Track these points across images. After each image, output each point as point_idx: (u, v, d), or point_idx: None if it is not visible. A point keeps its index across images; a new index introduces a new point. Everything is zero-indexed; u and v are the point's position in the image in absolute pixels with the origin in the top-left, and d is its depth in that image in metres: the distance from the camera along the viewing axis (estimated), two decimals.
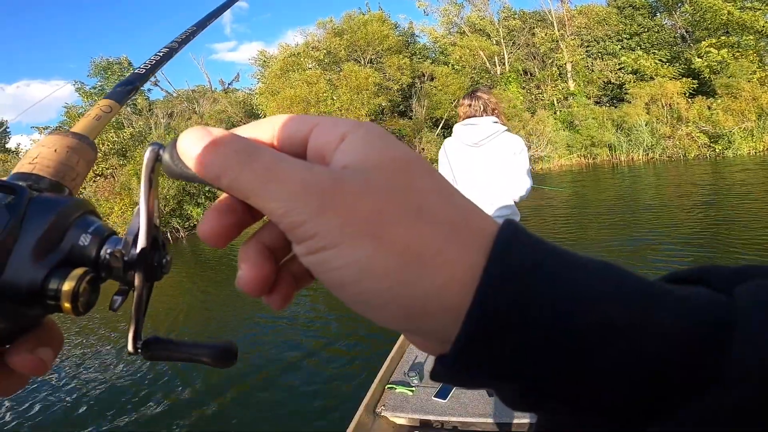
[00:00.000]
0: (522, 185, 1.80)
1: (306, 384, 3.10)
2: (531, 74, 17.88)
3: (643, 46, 17.36)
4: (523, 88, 16.52)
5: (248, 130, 0.18)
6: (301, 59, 13.01)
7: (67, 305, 0.16)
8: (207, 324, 5.42)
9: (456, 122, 1.93)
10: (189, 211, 12.97)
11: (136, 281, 0.18)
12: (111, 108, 0.28)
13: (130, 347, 0.19)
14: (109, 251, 0.17)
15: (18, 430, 2.90)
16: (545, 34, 16.78)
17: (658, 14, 18.30)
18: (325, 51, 13.14)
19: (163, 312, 6.20)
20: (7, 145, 19.68)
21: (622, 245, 5.67)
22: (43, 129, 18.00)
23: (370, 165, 0.14)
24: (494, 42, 17.50)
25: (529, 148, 11.83)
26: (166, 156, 0.17)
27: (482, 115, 1.82)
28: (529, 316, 0.12)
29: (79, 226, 0.18)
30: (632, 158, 12.79)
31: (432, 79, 15.54)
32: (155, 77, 18.81)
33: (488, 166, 1.79)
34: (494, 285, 0.13)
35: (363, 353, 3.43)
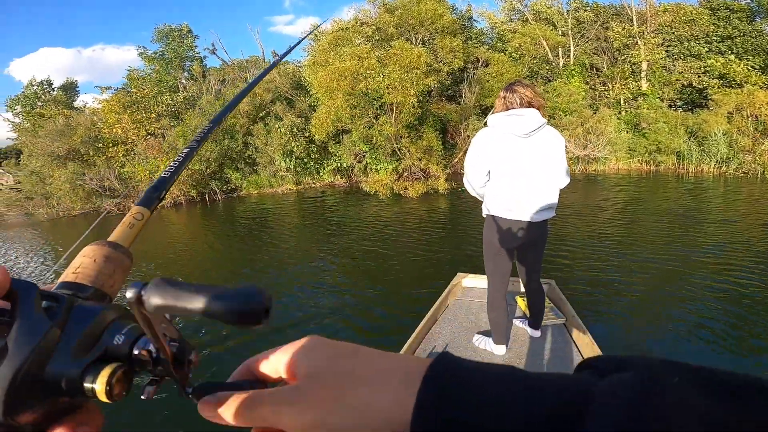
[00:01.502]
0: (566, 176, 1.96)
1: None
2: (598, 70, 16.89)
3: (735, 51, 15.80)
4: (587, 83, 15.66)
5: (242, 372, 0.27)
6: (350, 34, 13.17)
7: (102, 396, 0.20)
8: (228, 280, 5.86)
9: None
10: (228, 175, 13.77)
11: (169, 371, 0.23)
12: (142, 215, 0.33)
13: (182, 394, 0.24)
14: (137, 351, 0.22)
15: None
16: (622, 29, 15.72)
17: (758, 19, 16.53)
18: (374, 27, 13.20)
19: (193, 265, 6.79)
20: (75, 104, 21.77)
21: (671, 253, 5.44)
22: (106, 89, 19.77)
23: (311, 371, 0.23)
24: (560, 32, 16.66)
25: (584, 146, 11.35)
26: (152, 300, 0.19)
27: (520, 108, 1.86)
28: None
29: (114, 329, 0.23)
30: (702, 170, 11.82)
31: (486, 66, 15.16)
32: (213, 45, 19.96)
33: (536, 157, 1.85)
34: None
35: (381, 341, 3.49)
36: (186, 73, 20.73)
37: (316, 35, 16.89)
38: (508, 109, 1.88)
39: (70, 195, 13.53)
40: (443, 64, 13.04)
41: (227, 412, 0.23)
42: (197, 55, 21.16)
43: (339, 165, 13.46)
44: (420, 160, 11.22)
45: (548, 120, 1.95)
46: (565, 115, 13.15)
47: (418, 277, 4.87)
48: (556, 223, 7.12)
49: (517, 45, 16.18)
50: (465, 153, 11.90)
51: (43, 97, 20.75)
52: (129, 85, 17.05)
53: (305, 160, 13.45)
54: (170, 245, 7.84)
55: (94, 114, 16.10)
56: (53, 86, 21.94)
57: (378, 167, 11.72)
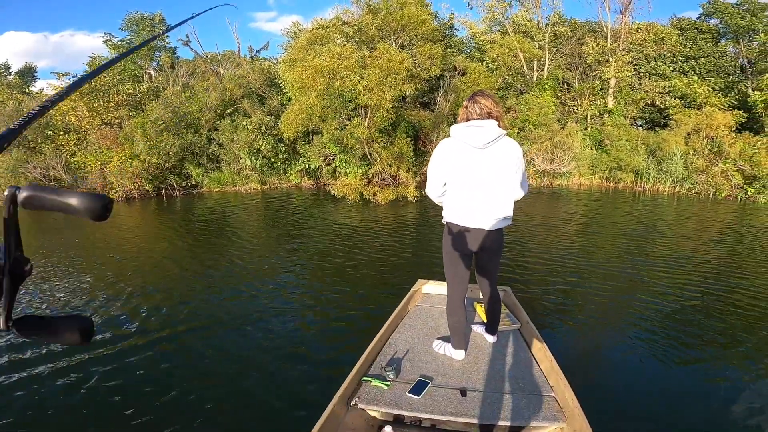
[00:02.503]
0: (523, 187, 2.05)
1: (280, 370, 3.17)
2: (569, 84, 17.58)
3: (697, 71, 16.88)
4: (558, 97, 16.26)
5: None
6: (330, 33, 13.10)
7: None
8: (182, 279, 5.64)
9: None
10: (189, 170, 13.30)
11: (4, 279, 0.28)
12: None
13: (2, 325, 0.28)
14: None
15: None
16: (596, 45, 16.44)
17: (723, 40, 17.75)
18: (356, 28, 13.18)
19: (148, 261, 6.50)
20: (31, 88, 20.58)
21: (624, 264, 5.76)
22: (63, 75, 18.78)
23: None
24: (537, 46, 17.24)
25: (551, 161, 11.71)
26: (22, 195, 0.28)
27: (479, 118, 1.95)
28: None
29: None
30: (657, 188, 12.48)
31: (463, 75, 15.45)
32: (187, 36, 19.30)
33: (493, 168, 1.92)
34: None
35: (341, 345, 3.54)
36: (154, 63, 19.98)
37: (295, 33, 16.71)
38: (468, 119, 1.97)
39: (11, 183, 12.65)
40: (422, 70, 13.19)
41: None
42: (168, 45, 20.46)
43: (307, 166, 13.30)
44: (390, 165, 11.26)
45: (518, 132, 2.04)
46: (535, 128, 13.57)
47: (382, 283, 4.93)
48: (518, 231, 7.36)
49: (494, 56, 16.61)
50: None
51: None
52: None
53: (272, 160, 13.20)
54: (114, 243, 7.44)
55: (43, 99, 15.22)
56: (10, 70, 20.70)
57: (348, 170, 11.65)
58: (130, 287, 5.05)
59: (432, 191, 2.10)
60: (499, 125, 1.93)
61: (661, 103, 16.23)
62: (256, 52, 20.45)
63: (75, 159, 13.05)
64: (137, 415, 2.72)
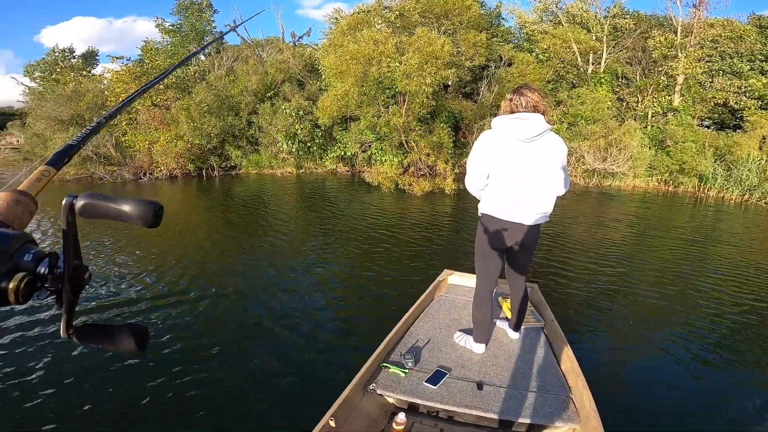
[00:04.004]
0: (566, 182, 2.04)
1: (300, 351, 3.21)
2: (629, 80, 16.49)
3: None
4: (615, 92, 15.30)
5: None
6: (371, 17, 13.08)
7: (11, 297, 0.28)
8: (217, 254, 5.89)
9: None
10: (229, 152, 13.80)
11: (64, 289, 0.31)
12: (49, 172, 0.41)
13: (63, 333, 0.31)
14: (42, 269, 0.30)
15: None
16: (664, 39, 15.30)
17: None
18: (397, 12, 13.07)
19: (186, 238, 6.83)
20: (93, 72, 22.10)
21: (674, 271, 5.32)
22: (117, 58, 20.02)
23: None
24: (594, 38, 16.31)
25: (604, 159, 11.04)
26: (79, 204, 0.30)
27: (525, 111, 1.94)
28: None
29: (24, 251, 0.30)
30: (723, 196, 11.42)
31: (509, 65, 14.93)
32: (234, 22, 20.05)
33: (539, 162, 1.92)
34: None
35: (362, 329, 3.55)
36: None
37: (336, 19, 16.87)
38: (513, 112, 1.96)
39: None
40: (465, 59, 12.86)
41: None
42: (215, 29, 21.28)
43: (343, 153, 13.39)
44: (428, 155, 11.08)
45: (568, 127, 1.98)
46: (588, 124, 12.84)
47: (409, 272, 4.88)
48: (557, 228, 7.02)
49: (545, 46, 15.88)
50: None
51: (61, 63, 21.12)
52: (144, 56, 17.24)
53: (308, 144, 13.41)
54: (165, 216, 7.85)
55: (101, 82, 16.37)
56: (74, 54, 22.34)
57: (383, 159, 11.61)
58: (171, 260, 5.37)
59: (472, 184, 2.08)
60: (545, 120, 1.92)
61: (736, 103, 14.84)
62: (299, 38, 20.85)
63: (125, 138, 13.92)
64: (153, 377, 2.88)
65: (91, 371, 2.92)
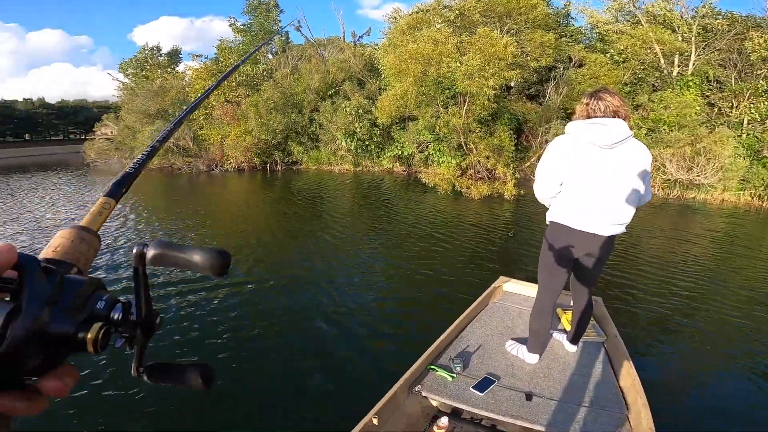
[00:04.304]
0: (648, 193, 1.91)
1: (345, 346, 3.25)
2: (721, 84, 14.76)
3: None
4: (705, 97, 13.78)
5: None
6: (430, 17, 12.95)
7: (90, 347, 0.28)
8: (275, 243, 6.16)
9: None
10: (291, 147, 14.43)
11: (137, 334, 0.31)
12: (110, 205, 0.40)
13: (133, 372, 0.32)
14: (116, 316, 0.30)
15: None
16: (763, 41, 13.54)
17: None
18: (457, 12, 12.81)
19: (248, 226, 7.24)
20: (177, 69, 24.13)
21: (759, 300, 4.68)
22: (197, 56, 21.67)
23: None
24: (679, 38, 14.81)
25: (689, 169, 9.96)
26: (150, 254, 0.30)
27: (603, 117, 1.83)
28: None
29: (97, 297, 0.30)
30: None
31: (580, 66, 14.04)
32: (297, 22, 20.94)
33: (619, 170, 1.80)
34: None
35: (410, 331, 3.52)
36: (271, 46, 21.98)
37: (395, 18, 16.95)
38: (589, 116, 1.85)
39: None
40: (530, 59, 12.30)
41: None
42: (281, 29, 22.28)
43: (400, 152, 13.42)
44: (488, 158, 10.74)
45: (647, 133, 1.82)
46: (671, 130, 11.69)
47: (461, 276, 4.77)
48: (629, 240, 6.50)
49: (622, 47, 14.72)
50: (539, 158, 11.21)
51: (150, 61, 23.37)
52: (219, 54, 18.57)
53: (366, 143, 13.61)
54: (226, 206, 8.44)
55: (182, 79, 17.89)
56: (161, 52, 24.59)
57: (441, 160, 11.45)
58: (232, 245, 5.78)
59: (543, 191, 1.98)
60: (628, 125, 1.81)
61: None
62: (359, 37, 21.24)
63: (202, 131, 15.10)
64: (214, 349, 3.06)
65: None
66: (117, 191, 0.42)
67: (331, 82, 15.34)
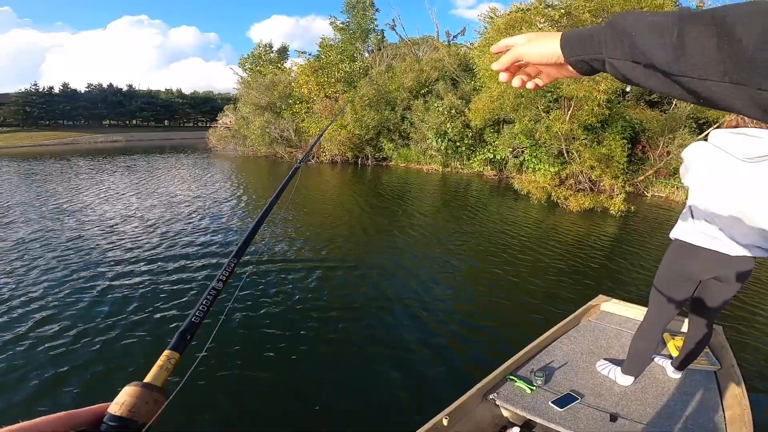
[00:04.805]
0: None
1: (419, 344, 3.22)
2: None
3: None
4: None
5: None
6: (531, 16, 11.98)
7: None
8: (358, 236, 6.39)
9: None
10: (383, 144, 14.77)
11: None
12: (174, 359, 0.40)
13: None
14: None
15: None
16: None
17: None
18: (563, 11, 11.62)
19: (337, 216, 7.62)
20: (285, 65, 26.32)
21: None
22: (302, 53, 23.29)
23: (533, 36, 0.52)
24: None
25: None
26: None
27: (756, 127, 1.64)
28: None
29: None
30: None
31: None
32: (393, 21, 21.20)
33: (757, 188, 1.61)
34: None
35: (490, 338, 3.40)
36: (367, 44, 22.69)
37: (491, 18, 16.11)
38: (737, 126, 1.68)
39: (259, 139, 16.81)
40: None
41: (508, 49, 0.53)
42: (376, 27, 22.76)
43: (492, 156, 12.84)
44: (593, 168, 9.71)
45: None
46: None
47: (550, 292, 4.45)
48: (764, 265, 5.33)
49: None
50: (657, 171, 9.76)
51: (263, 57, 25.89)
52: (321, 52, 19.75)
53: (458, 144, 13.30)
54: (320, 196, 9.00)
55: (289, 74, 19.43)
56: (273, 49, 27.07)
57: (537, 167, 10.68)
58: (320, 231, 6.27)
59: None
60: None
61: None
62: (453, 37, 20.77)
63: (303, 124, 16.28)
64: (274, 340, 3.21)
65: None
66: (181, 344, 0.42)
67: (425, 81, 15.28)
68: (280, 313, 3.61)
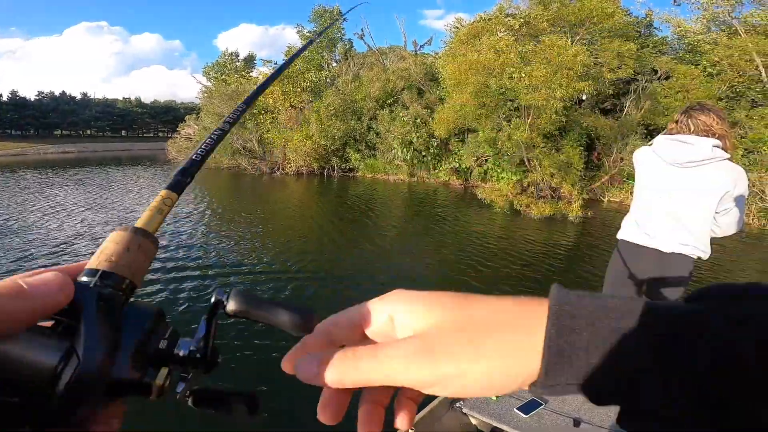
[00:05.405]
0: (732, 225, 1.75)
1: None
2: None
3: None
4: None
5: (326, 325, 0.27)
6: (492, 25, 12.35)
7: (154, 395, 0.24)
8: (323, 246, 6.27)
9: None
10: (349, 154, 14.63)
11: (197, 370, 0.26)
12: (171, 200, 0.33)
13: (179, 395, 0.26)
14: (181, 353, 0.25)
15: None
16: None
17: None
18: (522, 21, 12.07)
19: (302, 225, 7.46)
20: (251, 74, 25.69)
21: None
22: (267, 62, 22.85)
23: (433, 322, 0.22)
24: None
25: None
26: (230, 305, 0.25)
27: (691, 135, 1.75)
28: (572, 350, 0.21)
29: (159, 332, 0.25)
30: None
31: (667, 79, 12.65)
32: (362, 30, 21.34)
33: (687, 193, 1.72)
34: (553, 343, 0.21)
35: None
36: (334, 53, 22.63)
37: (457, 28, 16.54)
38: (677, 132, 1.79)
39: (221, 150, 16.22)
40: (606, 69, 11.29)
41: (337, 370, 0.23)
42: (344, 37, 22.78)
43: (458, 165, 13.00)
44: (552, 176, 10.00)
45: (745, 154, 1.53)
46: None
47: (516, 296, 4.56)
48: (713, 272, 5.71)
49: (716, 59, 13.05)
50: (611, 177, 10.13)
51: (228, 66, 25.18)
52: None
53: (423, 154, 13.38)
54: (287, 208, 8.78)
55: (255, 83, 18.96)
56: (239, 58, 26.37)
57: (500, 175, 10.88)
58: (286, 240, 6.25)
59: None
60: (721, 146, 1.68)
61: None
62: (420, 46, 21.06)
63: (268, 134, 15.87)
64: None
65: None
66: (180, 182, 0.35)
67: (391, 91, 15.35)
68: (253, 331, 3.38)
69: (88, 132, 46.81)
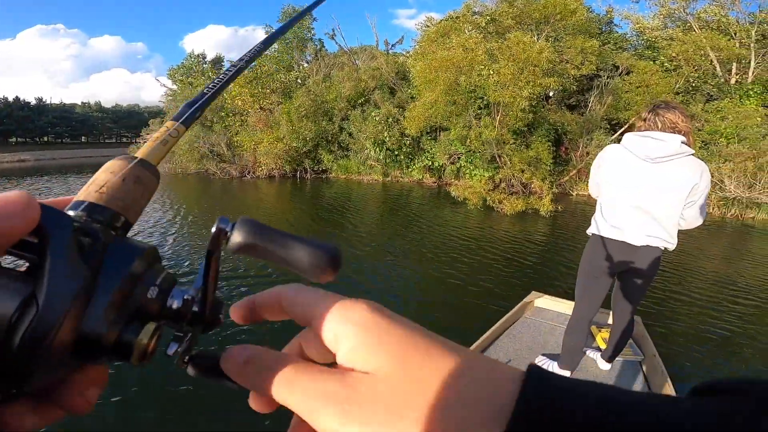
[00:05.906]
0: (697, 217, 1.82)
1: None
2: None
3: None
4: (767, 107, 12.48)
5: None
6: (460, 23, 12.46)
7: (135, 358, 0.18)
8: None
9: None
10: (321, 155, 14.37)
11: (197, 332, 0.21)
12: (178, 132, 0.28)
13: (177, 362, 0.20)
14: (175, 305, 0.20)
15: None
16: None
17: None
18: (488, 18, 12.23)
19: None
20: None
21: None
22: (231, 61, 22.12)
23: (372, 367, 0.17)
24: (737, 44, 13.57)
25: (750, 186, 8.94)
26: (235, 236, 0.19)
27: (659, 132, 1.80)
28: None
29: (149, 279, 0.20)
30: None
31: (628, 74, 13.11)
32: (333, 30, 21.07)
33: (658, 187, 1.77)
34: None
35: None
36: (305, 54, 22.23)
37: (427, 27, 16.60)
38: (647, 129, 1.84)
39: (187, 155, 15.60)
40: (570, 66, 11.57)
41: (251, 379, 0.19)
42: (314, 36, 22.44)
43: (431, 163, 13.00)
44: (523, 172, 10.13)
45: (703, 146, 1.50)
46: (729, 143, 10.60)
47: (492, 290, 4.62)
48: (678, 260, 5.95)
49: (673, 54, 13.64)
50: (579, 171, 10.38)
51: (195, 68, 24.26)
52: (255, 62, 18.90)
53: (396, 153, 13.31)
54: (260, 212, 8.50)
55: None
56: (206, 60, 25.43)
57: (472, 173, 10.94)
58: None
59: (591, 191, 2.10)
60: (687, 142, 1.74)
61: None
62: (392, 46, 21.01)
63: (237, 138, 15.38)
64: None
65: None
66: (189, 115, 0.28)
67: (363, 90, 15.19)
68: (236, 338, 3.17)
69: (45, 139, 44.21)
